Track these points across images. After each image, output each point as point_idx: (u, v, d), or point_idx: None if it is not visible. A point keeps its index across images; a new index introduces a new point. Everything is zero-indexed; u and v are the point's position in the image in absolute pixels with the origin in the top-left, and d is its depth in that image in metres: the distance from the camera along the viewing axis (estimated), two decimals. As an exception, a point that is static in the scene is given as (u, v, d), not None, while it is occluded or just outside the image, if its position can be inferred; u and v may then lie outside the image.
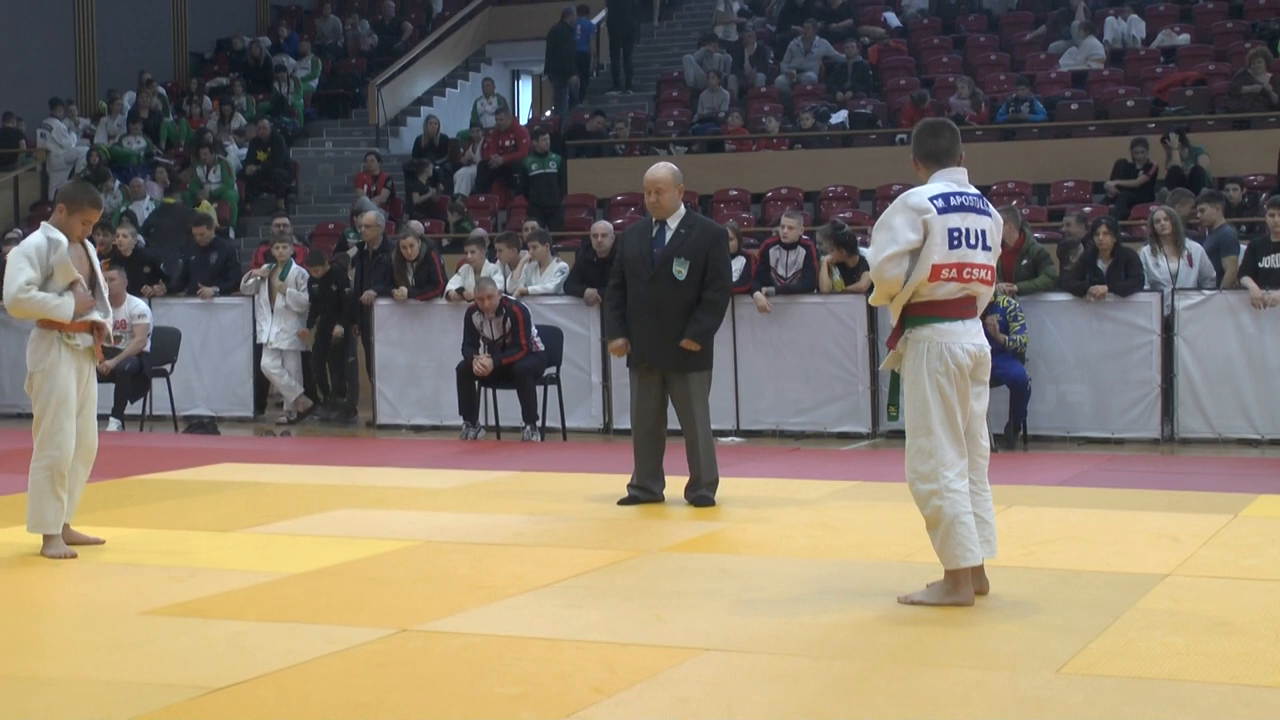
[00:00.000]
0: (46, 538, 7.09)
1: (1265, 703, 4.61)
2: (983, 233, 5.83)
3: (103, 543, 7.32)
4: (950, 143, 5.94)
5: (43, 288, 7.09)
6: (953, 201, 5.78)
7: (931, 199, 5.77)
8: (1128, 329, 11.85)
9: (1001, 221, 6.07)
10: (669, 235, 8.47)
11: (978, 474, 5.90)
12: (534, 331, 12.29)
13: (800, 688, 4.80)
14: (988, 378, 5.95)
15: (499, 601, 6.03)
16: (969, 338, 5.82)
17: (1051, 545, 7.16)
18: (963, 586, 5.79)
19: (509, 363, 12.07)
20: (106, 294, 7.37)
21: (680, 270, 8.38)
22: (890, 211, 5.80)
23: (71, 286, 7.11)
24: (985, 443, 5.96)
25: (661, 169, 8.56)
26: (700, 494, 8.45)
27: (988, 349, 5.94)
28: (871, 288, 6.27)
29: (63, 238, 7.16)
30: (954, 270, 5.74)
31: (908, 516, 7.98)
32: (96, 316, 7.22)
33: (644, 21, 23.37)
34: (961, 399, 5.80)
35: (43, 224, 7.30)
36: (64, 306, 7.09)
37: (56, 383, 7.08)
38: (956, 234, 5.74)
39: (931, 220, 5.72)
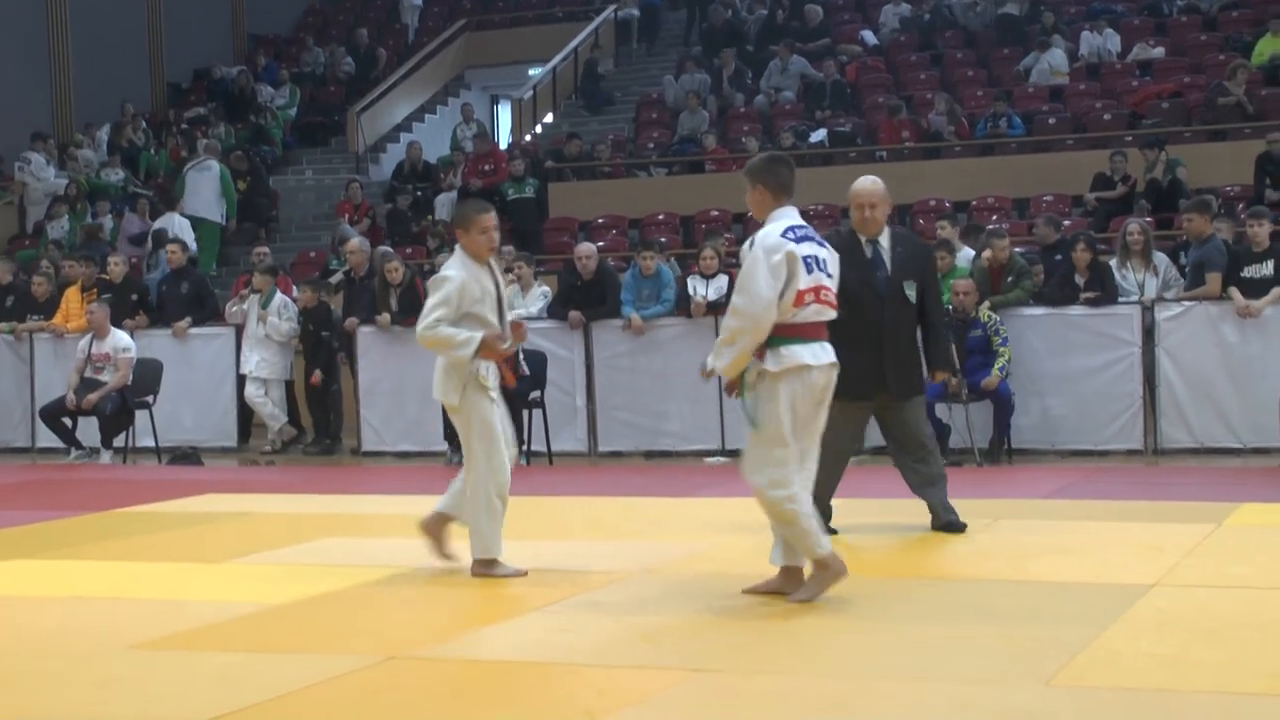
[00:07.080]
0: (489, 561, 6.99)
1: (1253, 711, 4.63)
2: (825, 260, 6.27)
3: (525, 574, 7.03)
4: (791, 179, 6.41)
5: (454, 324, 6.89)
6: (799, 234, 6.23)
7: (783, 235, 6.17)
8: (1109, 341, 11.89)
9: (837, 256, 6.44)
10: (887, 255, 7.72)
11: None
12: (519, 356, 12.27)
13: (789, 707, 4.81)
14: (829, 399, 6.33)
15: (488, 627, 6.03)
16: (825, 357, 6.23)
17: (1037, 558, 7.17)
18: (833, 563, 6.22)
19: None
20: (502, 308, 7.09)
21: (911, 293, 7.71)
22: (753, 261, 6.14)
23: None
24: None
25: (870, 182, 7.81)
26: (949, 520, 7.84)
27: (836, 370, 6.31)
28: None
29: (481, 280, 6.95)
30: (813, 294, 6.17)
31: (895, 533, 8.01)
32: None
33: (631, 42, 23.37)
34: (812, 415, 6.23)
35: (456, 249, 7.09)
36: (469, 345, 6.85)
37: (477, 413, 6.99)
38: (810, 260, 6.17)
39: (793, 251, 6.13)
